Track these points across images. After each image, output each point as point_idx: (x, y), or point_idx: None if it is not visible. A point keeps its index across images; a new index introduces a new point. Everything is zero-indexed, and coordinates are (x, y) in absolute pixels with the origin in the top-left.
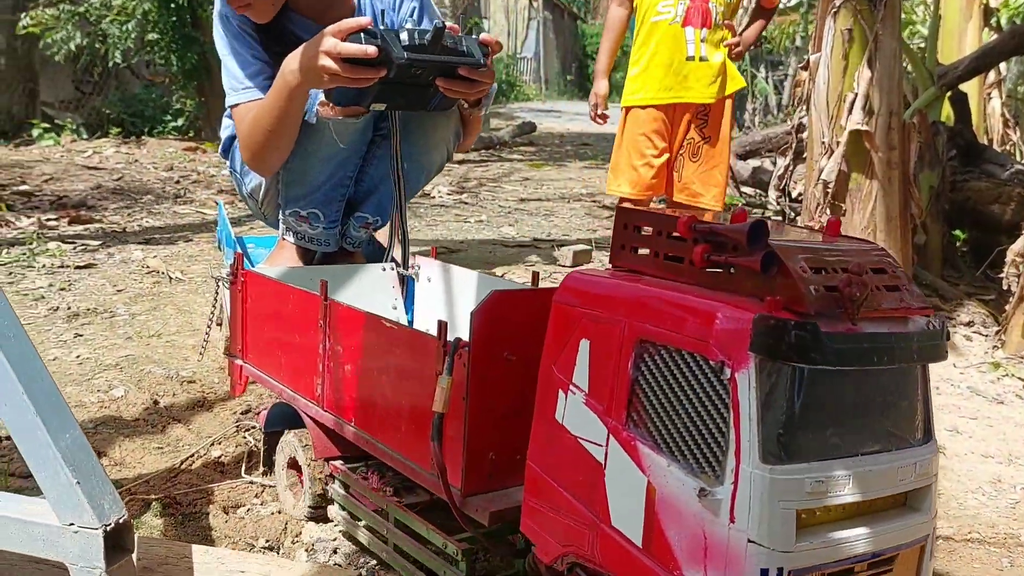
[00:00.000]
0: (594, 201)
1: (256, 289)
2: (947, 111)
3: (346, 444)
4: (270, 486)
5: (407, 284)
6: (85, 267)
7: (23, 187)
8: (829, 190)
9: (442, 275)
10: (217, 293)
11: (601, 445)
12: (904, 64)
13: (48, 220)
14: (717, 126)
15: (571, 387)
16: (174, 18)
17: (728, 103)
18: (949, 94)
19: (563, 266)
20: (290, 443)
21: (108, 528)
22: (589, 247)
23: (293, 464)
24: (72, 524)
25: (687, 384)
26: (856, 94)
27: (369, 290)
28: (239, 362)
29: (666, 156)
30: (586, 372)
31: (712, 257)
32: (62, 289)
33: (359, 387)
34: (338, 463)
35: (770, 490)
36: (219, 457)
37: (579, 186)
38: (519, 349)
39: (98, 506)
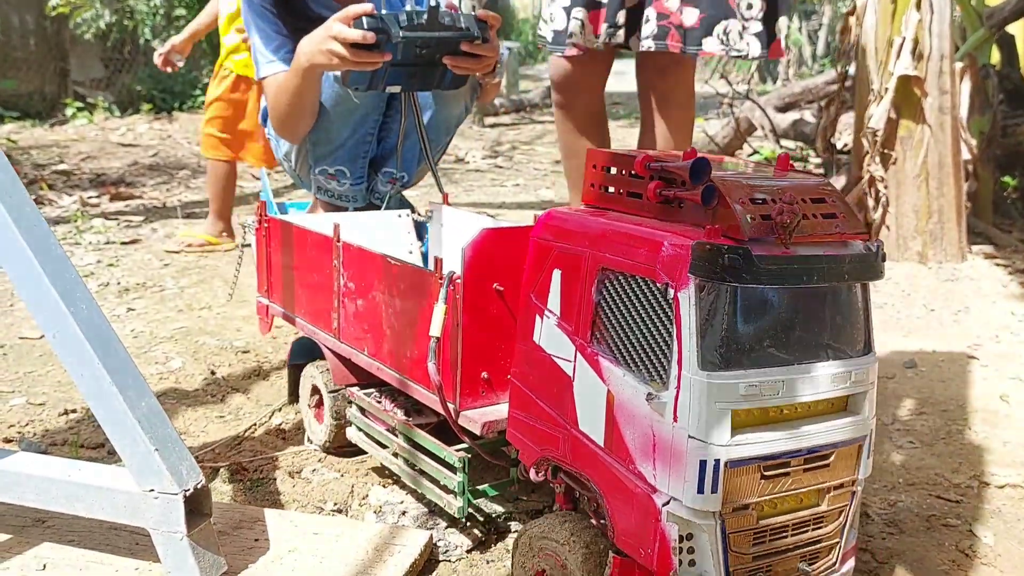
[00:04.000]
0: None
1: (278, 234)
2: (995, 54)
3: (361, 372)
4: (332, 453)
5: (423, 229)
6: (130, 243)
7: (62, 166)
8: (878, 138)
9: (452, 219)
10: (244, 239)
11: (570, 361)
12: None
13: (90, 198)
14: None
15: (546, 312)
16: None
17: None
18: (999, 36)
19: None
20: (312, 374)
21: (187, 493)
22: None
23: (315, 392)
24: (152, 490)
25: (639, 305)
26: (904, 38)
27: (386, 235)
28: (265, 301)
29: None
30: (558, 298)
31: (663, 192)
32: (110, 265)
33: (369, 320)
34: (355, 389)
35: (707, 393)
36: (280, 424)
37: (613, 146)
38: (506, 280)
39: (176, 472)
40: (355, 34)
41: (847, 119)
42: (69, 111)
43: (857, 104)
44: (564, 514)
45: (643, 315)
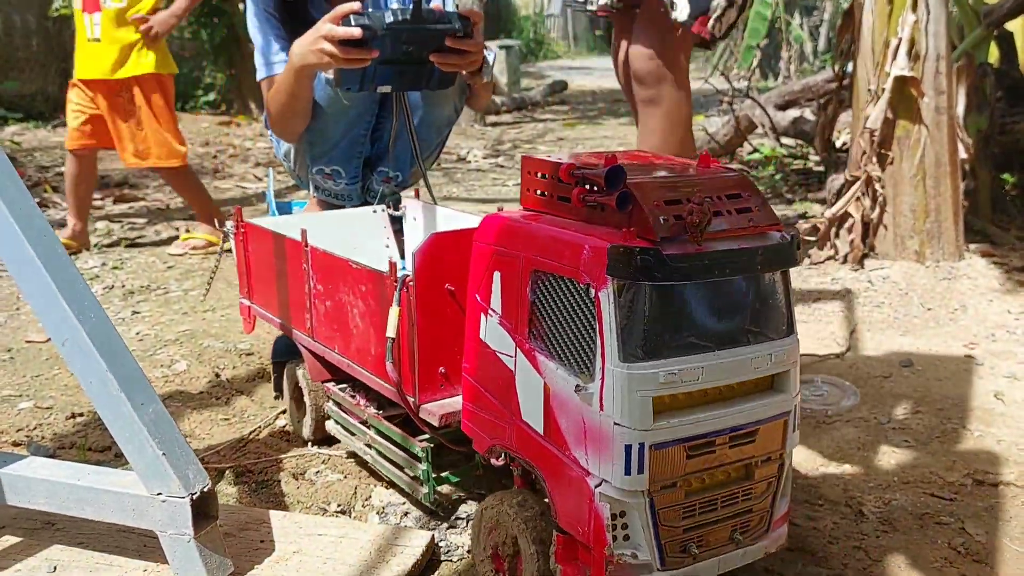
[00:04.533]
0: None
1: (255, 238)
2: (993, 51)
3: (335, 369)
4: (336, 455)
5: (400, 223)
6: (134, 245)
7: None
8: (875, 138)
9: (425, 214)
10: (223, 243)
11: (512, 356)
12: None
13: (93, 200)
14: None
15: (490, 311)
16: None
17: (152, 79)
18: (996, 33)
19: None
20: (293, 370)
21: (194, 496)
22: None
23: (298, 389)
24: (160, 494)
25: (567, 303)
26: (901, 39)
27: (364, 232)
28: (246, 302)
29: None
30: (499, 298)
31: (586, 198)
32: (115, 268)
33: (338, 319)
34: (331, 385)
35: (628, 383)
36: (284, 427)
37: (615, 144)
38: (458, 280)
39: (183, 476)
40: (343, 31)
41: (845, 118)
42: None
43: (854, 104)
44: (517, 492)
45: (571, 313)
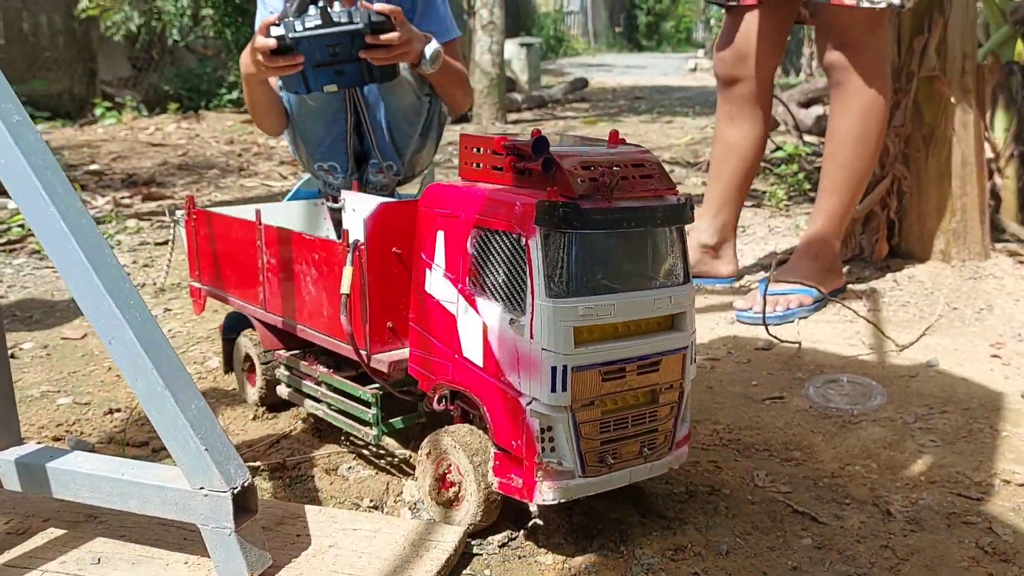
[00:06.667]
0: None
1: (206, 223)
2: (1019, 49)
3: (286, 337)
4: (367, 451)
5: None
6: (164, 243)
7: (93, 167)
8: (901, 137)
9: (363, 205)
10: (174, 231)
11: (454, 302)
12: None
13: (122, 199)
14: None
15: (434, 266)
16: None
17: None
18: (1023, 31)
19: None
20: (244, 343)
21: (235, 491)
22: None
23: (247, 359)
24: (202, 488)
25: (502, 252)
26: (927, 38)
27: (308, 221)
28: (196, 285)
29: None
30: (443, 254)
31: (516, 165)
32: (145, 266)
33: (290, 289)
34: (282, 352)
35: (553, 315)
36: (316, 423)
37: (636, 142)
38: (403, 244)
39: (225, 471)
40: (261, 42)
41: None
42: (98, 111)
43: None
44: (459, 427)
45: (505, 260)
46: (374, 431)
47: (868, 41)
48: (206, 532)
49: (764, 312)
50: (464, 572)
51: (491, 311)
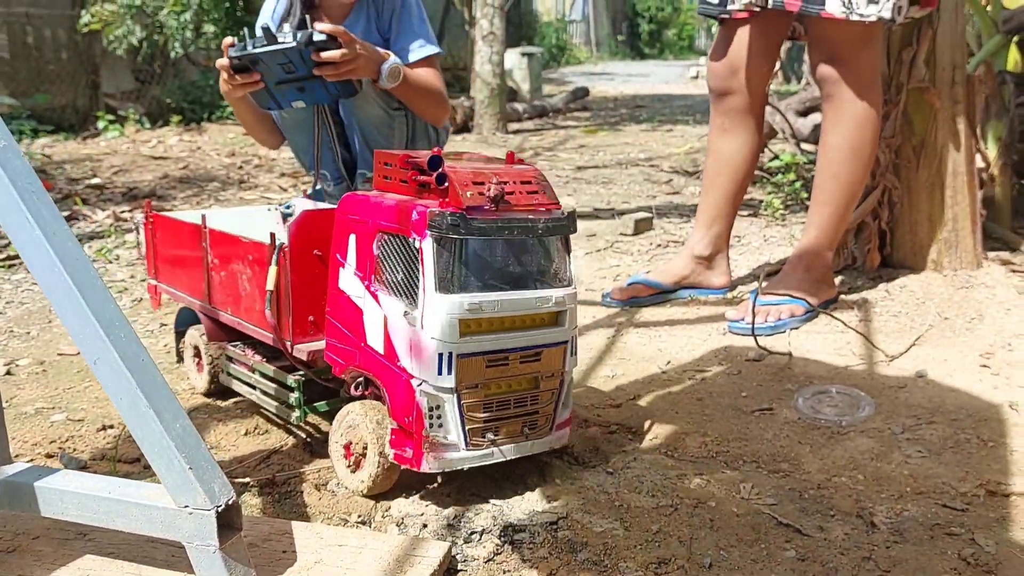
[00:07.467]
0: (652, 166)
1: (161, 227)
2: (1015, 58)
3: (228, 330)
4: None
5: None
6: None
7: (95, 180)
8: (892, 148)
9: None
10: (138, 235)
11: (362, 297)
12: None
13: (122, 212)
14: None
15: (346, 265)
16: (227, 4)
17: None
18: (1016, 39)
19: (624, 235)
20: (192, 336)
21: (220, 509)
22: (650, 214)
23: (195, 350)
24: (187, 506)
25: (400, 254)
26: (916, 49)
27: (263, 226)
28: (153, 282)
29: None
30: (354, 255)
31: (417, 178)
32: (143, 280)
33: (230, 286)
34: (226, 344)
35: (441, 308)
36: (306, 439)
37: (636, 151)
38: (323, 247)
39: (209, 489)
40: (218, 63)
41: None
42: (101, 124)
43: None
44: (364, 402)
45: (403, 260)
46: (297, 412)
47: (860, 54)
48: (191, 550)
49: (753, 322)
50: None
51: (391, 305)
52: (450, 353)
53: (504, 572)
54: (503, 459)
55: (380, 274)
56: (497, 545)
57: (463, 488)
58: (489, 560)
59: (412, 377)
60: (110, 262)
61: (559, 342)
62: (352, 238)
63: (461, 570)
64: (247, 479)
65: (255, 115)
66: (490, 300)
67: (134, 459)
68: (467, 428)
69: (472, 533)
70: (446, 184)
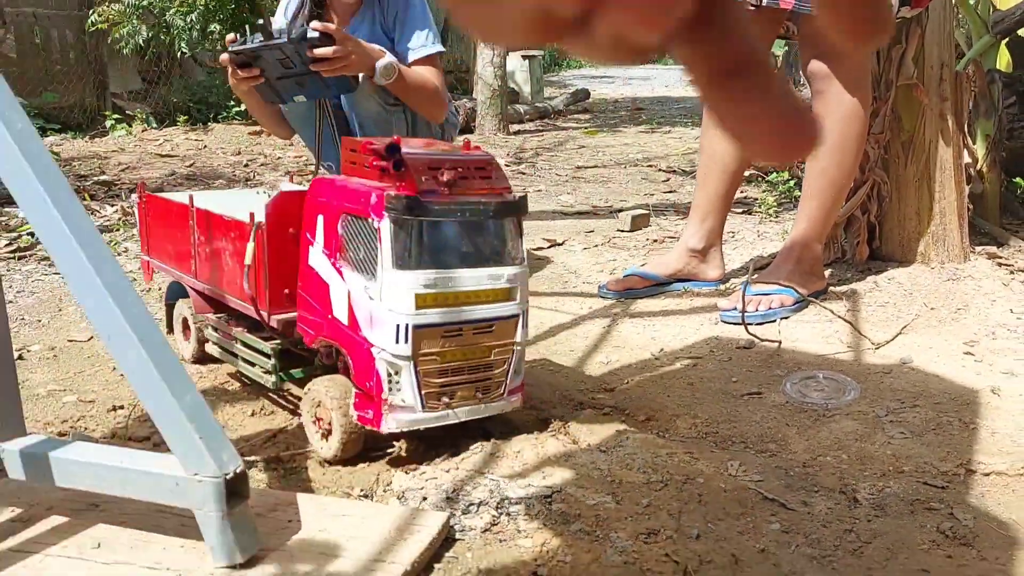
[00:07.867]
0: (650, 166)
1: (153, 206)
2: (1006, 58)
3: (213, 302)
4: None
5: None
6: None
7: (103, 177)
8: (881, 143)
9: None
10: (135, 214)
11: (329, 273)
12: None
13: (130, 208)
14: None
15: (315, 243)
16: (233, 4)
17: None
18: (1007, 40)
19: (621, 231)
20: (181, 308)
21: (228, 477)
22: (647, 211)
23: (184, 322)
24: (197, 474)
25: (361, 233)
26: (904, 47)
27: (243, 206)
28: (145, 258)
29: None
30: (322, 234)
31: (377, 163)
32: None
33: (214, 261)
34: (211, 315)
35: (398, 283)
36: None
37: (635, 151)
38: (296, 226)
39: (218, 458)
40: (223, 57)
41: None
42: (108, 123)
43: None
44: (326, 378)
45: (364, 239)
46: (272, 378)
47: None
48: (200, 516)
49: (744, 311)
50: (447, 555)
51: (353, 280)
52: (407, 324)
53: (500, 541)
54: (457, 420)
55: (344, 252)
56: (493, 516)
57: (461, 465)
58: (486, 530)
59: (372, 346)
60: (119, 254)
61: (511, 315)
62: (320, 218)
63: (459, 539)
64: (254, 457)
65: (264, 108)
66: (443, 276)
67: (144, 437)
68: (423, 392)
69: (470, 505)
70: (403, 169)
